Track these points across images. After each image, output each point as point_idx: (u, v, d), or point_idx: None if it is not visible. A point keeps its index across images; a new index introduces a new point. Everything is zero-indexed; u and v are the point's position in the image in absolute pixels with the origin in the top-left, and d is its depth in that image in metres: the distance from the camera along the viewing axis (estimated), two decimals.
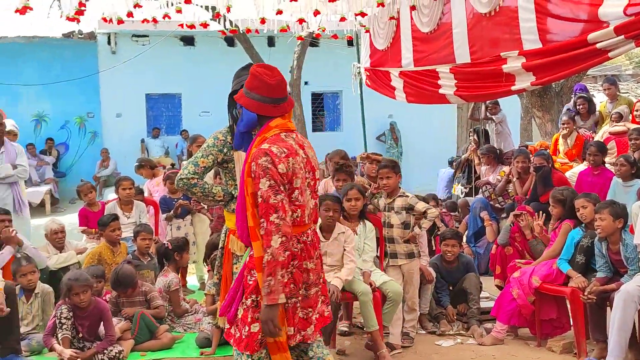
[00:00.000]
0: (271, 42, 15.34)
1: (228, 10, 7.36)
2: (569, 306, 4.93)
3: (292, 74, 13.34)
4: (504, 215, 7.52)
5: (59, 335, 4.60)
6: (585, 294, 4.52)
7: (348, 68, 9.91)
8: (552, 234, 5.40)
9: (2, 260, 5.23)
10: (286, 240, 2.82)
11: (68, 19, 7.06)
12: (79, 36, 14.87)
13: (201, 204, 6.68)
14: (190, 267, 7.23)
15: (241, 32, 10.26)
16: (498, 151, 8.65)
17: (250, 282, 2.97)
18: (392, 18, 7.93)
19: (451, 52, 6.94)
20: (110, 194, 10.95)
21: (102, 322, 4.80)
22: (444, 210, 7.95)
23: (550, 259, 5.10)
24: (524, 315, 5.04)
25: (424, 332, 5.31)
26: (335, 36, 8.84)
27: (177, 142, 15.23)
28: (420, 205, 5.05)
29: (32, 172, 12.60)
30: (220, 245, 3.88)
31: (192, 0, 7.96)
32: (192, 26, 8.13)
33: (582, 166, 7.32)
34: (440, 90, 7.18)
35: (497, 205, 7.77)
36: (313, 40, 13.52)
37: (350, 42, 13.28)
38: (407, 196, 5.11)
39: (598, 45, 5.19)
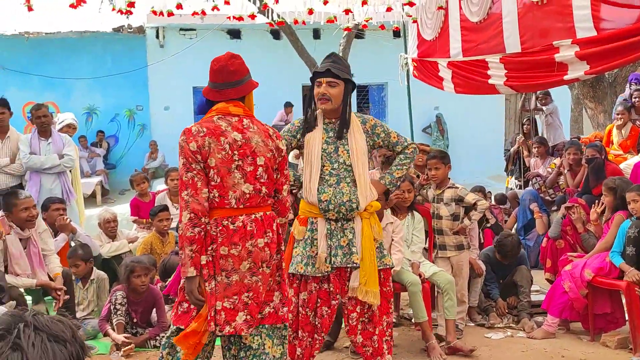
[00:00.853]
0: (317, 34, 15.33)
1: (277, 1, 7.39)
2: (623, 300, 4.82)
3: None
4: (554, 207, 7.39)
5: (114, 320, 4.73)
6: None
7: (393, 59, 9.83)
8: (605, 225, 5.29)
9: (56, 247, 5.38)
10: (194, 217, 2.90)
11: (120, 12, 7.21)
12: (129, 30, 15.13)
13: None
14: None
15: (288, 23, 10.28)
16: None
17: None
18: (440, 8, 7.85)
19: (501, 41, 6.82)
20: (158, 185, 11.16)
21: (154, 309, 4.91)
22: (493, 203, 7.85)
23: (603, 252, 4.99)
24: (577, 309, 4.95)
25: (472, 324, 5.27)
26: (382, 27, 8.79)
27: None
28: (470, 197, 5.00)
29: (84, 163, 12.92)
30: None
31: None
32: (240, 18, 8.19)
33: (637, 158, 7.12)
34: (490, 81, 7.07)
35: (547, 197, 7.64)
36: (358, 32, 13.46)
37: (395, 34, 13.21)
38: (457, 187, 5.06)
39: None
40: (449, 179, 5.12)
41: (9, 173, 6.30)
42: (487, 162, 14.17)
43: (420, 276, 4.61)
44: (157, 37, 15.27)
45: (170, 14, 7.96)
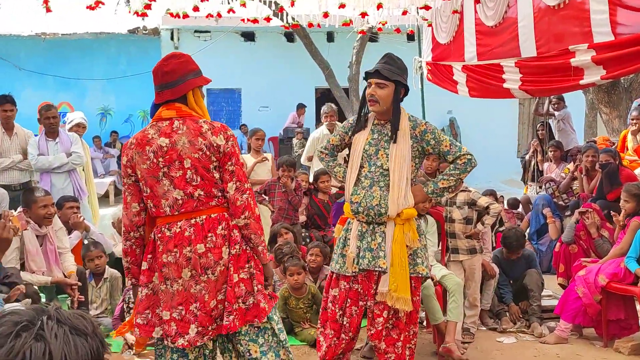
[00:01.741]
0: (330, 37, 15.37)
1: (292, 4, 7.41)
2: (638, 306, 4.78)
3: (351, 69, 13.34)
4: (567, 212, 7.35)
5: (127, 319, 4.74)
6: None
7: (407, 63, 9.71)
8: (621, 232, 5.25)
9: (70, 244, 5.42)
10: (124, 232, 3.02)
11: (136, 14, 7.25)
12: (144, 32, 15.24)
13: (262, 195, 6.79)
14: None
15: (302, 26, 10.31)
16: None
17: None
18: (455, 12, 7.84)
19: (516, 45, 6.80)
20: None
21: None
22: (505, 207, 7.82)
23: (618, 257, 4.96)
24: (590, 315, 4.92)
25: (484, 328, 5.25)
26: (397, 30, 8.78)
27: (237, 137, 15.44)
28: (483, 201, 4.99)
29: (98, 164, 13.00)
30: None
31: None
32: (254, 20, 8.22)
33: None
34: (505, 85, 7.05)
35: (560, 202, 7.60)
36: (372, 36, 13.47)
37: (409, 37, 13.21)
38: (470, 191, 5.05)
39: None
40: (462, 182, 5.10)
41: (22, 169, 6.36)
42: (501, 167, 14.12)
43: (432, 279, 4.60)
44: (172, 38, 15.37)
45: (185, 15, 7.99)
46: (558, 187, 7.67)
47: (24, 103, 13.90)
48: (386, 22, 8.46)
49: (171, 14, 7.83)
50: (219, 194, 2.95)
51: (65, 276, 4.93)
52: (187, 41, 15.33)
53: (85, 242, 5.62)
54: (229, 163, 2.94)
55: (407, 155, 3.64)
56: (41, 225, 4.92)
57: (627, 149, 7.76)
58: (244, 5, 7.30)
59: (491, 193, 6.82)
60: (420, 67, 9.35)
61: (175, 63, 2.99)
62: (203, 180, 2.91)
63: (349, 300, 3.71)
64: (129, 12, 7.44)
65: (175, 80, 2.97)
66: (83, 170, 6.95)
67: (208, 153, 2.91)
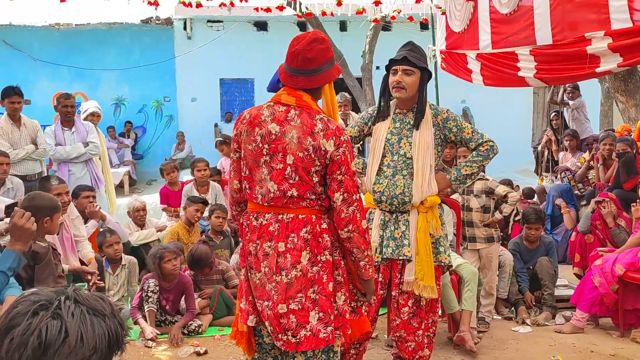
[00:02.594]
0: (343, 26, 15.30)
1: None
2: None
3: (364, 59, 13.28)
4: (583, 202, 7.30)
5: (146, 307, 4.78)
6: None
7: None
8: (638, 221, 5.21)
9: (87, 233, 5.46)
10: (229, 206, 2.96)
11: (149, 3, 7.26)
12: (157, 22, 15.25)
13: None
14: None
15: (315, 15, 10.27)
16: None
17: None
18: (469, 0, 7.78)
19: (532, 33, 6.73)
20: (185, 176, 11.25)
21: (183, 296, 4.96)
22: (521, 196, 7.78)
23: (635, 247, 4.92)
24: (606, 304, 4.89)
25: (499, 317, 5.24)
26: (410, 18, 8.75)
27: None
28: (501, 189, 4.96)
29: (112, 154, 13.07)
30: None
31: None
32: (267, 10, 8.21)
33: None
34: (520, 73, 6.99)
35: (576, 192, 7.55)
36: (385, 25, 13.40)
37: (423, 26, 13.10)
38: (487, 179, 5.03)
39: None
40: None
41: (34, 159, 6.41)
42: (515, 156, 14.01)
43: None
44: (185, 28, 15.37)
45: (198, 5, 8.00)
46: (574, 177, 7.62)
47: (39, 93, 14.03)
48: (400, 11, 8.42)
49: (184, 3, 7.85)
50: (313, 196, 2.77)
51: (83, 263, 4.97)
52: (199, 31, 15.34)
53: (101, 230, 5.66)
54: (338, 172, 2.72)
55: (430, 142, 3.64)
56: None
57: None
58: None
59: (508, 182, 6.77)
60: (434, 55, 9.30)
61: (318, 49, 2.77)
62: (300, 181, 2.74)
63: None
64: (142, 1, 7.46)
65: (315, 69, 2.78)
66: (100, 159, 6.99)
67: (313, 156, 2.71)
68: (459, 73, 8.52)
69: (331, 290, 2.76)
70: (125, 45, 15.00)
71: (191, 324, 4.83)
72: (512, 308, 5.33)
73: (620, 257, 4.90)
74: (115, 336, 1.19)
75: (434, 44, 9.43)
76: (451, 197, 5.09)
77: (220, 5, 8.39)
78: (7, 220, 3.69)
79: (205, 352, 4.47)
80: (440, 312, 4.99)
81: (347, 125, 4.53)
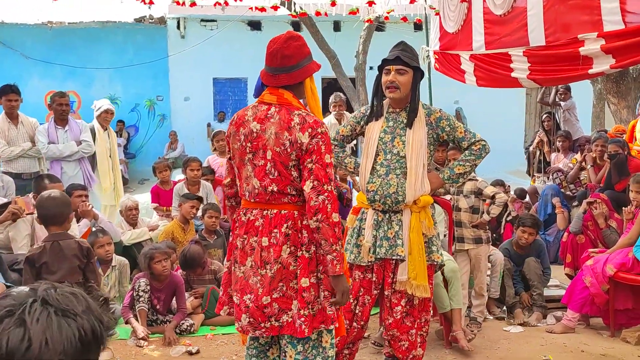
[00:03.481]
0: (337, 26, 15.32)
1: None
2: None
3: (358, 59, 13.30)
4: (575, 203, 7.33)
5: (137, 307, 4.77)
6: None
7: None
8: (629, 222, 5.24)
9: (79, 232, 5.44)
10: (223, 194, 3.04)
11: (143, 1, 7.24)
12: (150, 21, 15.23)
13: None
14: None
15: (309, 15, 10.28)
16: None
17: None
18: (463, 0, 7.80)
19: (525, 34, 6.76)
20: (177, 176, 11.22)
21: (174, 296, 4.95)
22: (513, 197, 7.81)
23: (626, 247, 4.95)
24: (597, 304, 4.92)
25: (491, 317, 5.25)
26: (404, 19, 8.76)
27: None
28: (489, 190, 4.97)
29: None
30: None
31: None
32: (262, 9, 8.20)
33: None
34: (513, 74, 7.01)
35: (568, 192, 7.58)
36: (379, 25, 13.42)
37: (416, 26, 13.14)
38: (477, 180, 5.03)
39: None
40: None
41: (32, 156, 6.38)
42: (507, 157, 14.07)
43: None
44: (178, 27, 15.36)
45: (192, 4, 7.98)
46: (565, 178, 7.65)
47: (31, 92, 13.95)
48: (393, 10, 8.43)
49: (177, 2, 7.83)
50: (294, 192, 2.82)
51: None
52: (193, 30, 15.32)
53: (94, 229, 5.64)
54: (308, 160, 2.76)
55: (423, 141, 3.65)
56: None
57: (636, 139, 7.72)
58: None
59: (500, 183, 6.79)
60: (428, 56, 9.31)
61: (295, 46, 2.86)
62: (279, 176, 2.81)
63: (362, 289, 3.72)
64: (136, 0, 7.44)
65: (294, 65, 2.86)
66: (110, 157, 7.02)
67: (289, 150, 2.78)
68: (453, 74, 8.54)
69: (305, 285, 2.79)
70: (118, 43, 14.97)
71: (183, 324, 4.82)
72: (506, 309, 5.33)
73: (611, 258, 4.93)
74: (92, 333, 1.12)
75: (427, 45, 9.45)
76: (442, 197, 5.11)
77: (214, 5, 8.37)
78: None
79: (198, 352, 4.47)
80: (432, 311, 5.01)
81: (340, 125, 4.53)
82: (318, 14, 8.60)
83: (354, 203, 4.46)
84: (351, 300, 3.68)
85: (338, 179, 6.83)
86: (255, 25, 15.59)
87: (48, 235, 3.96)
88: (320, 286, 2.85)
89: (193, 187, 6.93)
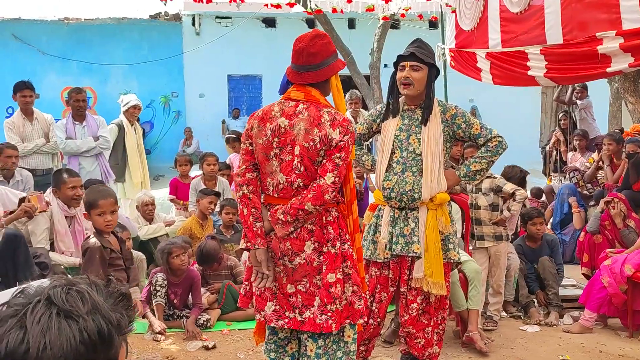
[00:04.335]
0: (352, 24, 15.29)
1: None
2: None
3: (372, 56, 13.26)
4: (592, 202, 7.29)
5: (154, 301, 4.79)
6: None
7: None
8: None
9: None
10: (237, 187, 2.97)
11: None
12: (165, 17, 15.28)
13: None
14: None
15: (324, 12, 10.27)
16: None
17: None
18: None
19: (542, 32, 6.71)
20: (192, 172, 11.26)
21: (191, 291, 4.98)
22: (529, 196, 7.78)
23: None
24: (615, 305, 4.89)
25: (507, 315, 5.24)
26: (420, 16, 8.74)
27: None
28: (509, 187, 4.95)
29: None
30: None
31: None
32: (277, 6, 8.21)
33: None
34: (530, 72, 6.97)
35: (584, 192, 7.53)
36: (394, 23, 13.38)
37: (431, 24, 13.09)
38: (495, 177, 5.02)
39: None
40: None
41: (46, 152, 6.43)
42: (522, 156, 13.96)
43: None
44: (193, 24, 15.39)
45: (208, 0, 8.01)
46: (582, 177, 7.61)
47: (47, 87, 14.07)
48: (410, 8, 8.41)
49: None
50: None
51: None
52: (208, 27, 15.35)
53: None
54: (337, 155, 2.81)
55: (439, 138, 3.64)
56: (70, 206, 4.99)
57: None
58: None
59: (523, 177, 6.73)
60: (443, 54, 9.28)
61: (320, 44, 2.91)
62: (306, 172, 2.85)
63: (378, 286, 3.72)
64: None
65: (320, 63, 2.91)
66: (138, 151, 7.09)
67: (319, 146, 2.82)
68: (469, 72, 8.50)
69: (331, 281, 2.84)
70: (133, 40, 15.03)
71: (200, 319, 4.84)
72: (522, 310, 5.31)
73: (630, 258, 4.90)
74: (99, 334, 1.07)
75: (443, 42, 9.41)
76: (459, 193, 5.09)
77: (230, 1, 8.40)
78: None
79: (214, 347, 4.49)
80: (448, 309, 5.00)
81: (357, 123, 4.53)
82: (334, 10, 8.59)
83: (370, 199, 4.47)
84: (368, 297, 3.69)
85: (355, 176, 6.83)
86: (269, 22, 15.60)
87: None
88: (348, 282, 2.89)
89: (210, 182, 6.96)
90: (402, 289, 3.72)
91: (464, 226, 5.03)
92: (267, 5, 8.64)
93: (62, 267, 4.77)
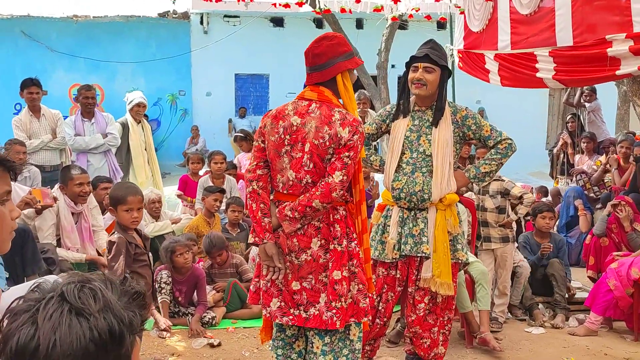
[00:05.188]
0: (359, 24, 15.29)
1: None
2: None
3: (380, 57, 13.24)
4: (598, 205, 7.27)
5: (159, 299, 4.81)
6: None
7: None
8: None
9: (104, 225, 5.50)
10: (247, 182, 3.02)
11: None
12: (174, 16, 15.31)
13: None
14: None
15: (333, 12, 10.28)
16: None
17: None
18: (488, 0, 7.76)
19: (552, 34, 6.70)
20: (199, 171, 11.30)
21: (196, 289, 4.99)
22: (538, 195, 7.77)
23: None
24: (621, 308, 4.87)
25: (512, 317, 5.23)
26: (428, 17, 8.74)
27: None
28: (517, 190, 4.95)
29: None
30: None
31: None
32: (286, 5, 8.22)
33: None
34: (538, 74, 6.95)
35: (591, 195, 7.51)
36: (402, 23, 13.36)
37: (439, 25, 13.08)
38: (503, 180, 5.02)
39: None
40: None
41: (53, 148, 6.45)
42: (529, 158, 13.96)
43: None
44: (202, 23, 15.42)
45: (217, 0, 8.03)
46: (589, 180, 7.59)
47: (55, 84, 14.13)
48: (418, 9, 8.41)
49: None
50: None
51: (98, 253, 5.01)
52: (216, 26, 15.38)
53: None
54: (346, 154, 2.85)
55: (449, 140, 3.65)
56: (76, 202, 5.00)
57: None
58: None
59: (545, 191, 6.70)
60: (452, 55, 9.27)
61: (325, 45, 2.97)
62: (315, 168, 2.89)
63: (385, 286, 3.73)
64: None
65: (324, 63, 2.96)
66: (145, 150, 7.07)
67: (327, 143, 2.86)
68: (477, 73, 8.50)
69: (337, 278, 2.86)
70: (142, 38, 15.08)
71: (205, 316, 4.85)
72: (527, 312, 5.30)
73: (637, 261, 4.88)
74: (110, 333, 1.07)
75: (451, 43, 9.40)
76: (465, 195, 5.09)
77: (238, 1, 8.41)
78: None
79: (219, 344, 4.50)
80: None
81: (364, 123, 4.53)
82: (343, 10, 8.60)
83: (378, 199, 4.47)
84: (375, 297, 3.69)
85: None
86: (277, 21, 15.61)
87: None
88: (354, 280, 2.91)
89: (217, 180, 6.98)
90: (409, 289, 3.73)
91: (470, 228, 5.04)
92: (275, 4, 8.66)
93: (69, 263, 4.79)
